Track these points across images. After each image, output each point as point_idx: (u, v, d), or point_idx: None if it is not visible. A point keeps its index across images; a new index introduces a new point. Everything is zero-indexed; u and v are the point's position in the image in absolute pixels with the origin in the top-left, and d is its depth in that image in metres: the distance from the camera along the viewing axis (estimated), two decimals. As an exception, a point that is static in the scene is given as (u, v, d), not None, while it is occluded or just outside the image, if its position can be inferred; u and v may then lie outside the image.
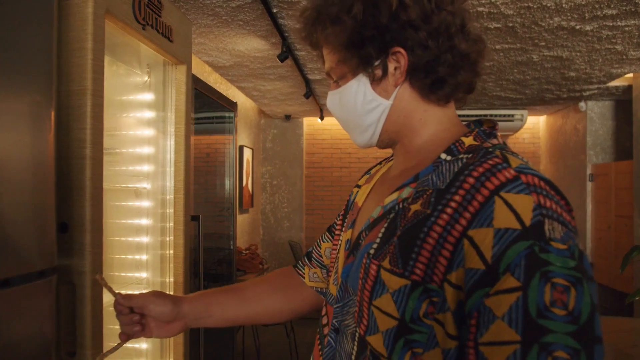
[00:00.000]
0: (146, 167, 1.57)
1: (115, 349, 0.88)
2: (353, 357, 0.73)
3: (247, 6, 2.78)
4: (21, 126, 0.92)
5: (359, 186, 0.94)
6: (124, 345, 0.90)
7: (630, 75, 4.32)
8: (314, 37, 0.78)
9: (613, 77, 4.37)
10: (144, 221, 1.57)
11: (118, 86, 1.52)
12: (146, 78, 1.57)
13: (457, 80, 0.75)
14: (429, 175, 0.72)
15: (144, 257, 1.58)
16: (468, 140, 0.74)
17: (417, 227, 0.67)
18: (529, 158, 6.60)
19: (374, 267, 0.70)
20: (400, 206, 0.72)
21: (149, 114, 1.57)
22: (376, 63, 0.74)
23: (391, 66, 0.74)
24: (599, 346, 0.57)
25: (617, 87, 4.75)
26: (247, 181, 5.41)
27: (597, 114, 5.36)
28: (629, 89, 4.71)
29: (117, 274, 1.56)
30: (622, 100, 5.25)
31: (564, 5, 2.78)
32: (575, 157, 5.63)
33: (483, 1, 2.73)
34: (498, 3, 2.76)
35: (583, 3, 2.74)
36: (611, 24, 3.05)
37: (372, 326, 0.69)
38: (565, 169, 5.90)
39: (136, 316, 0.89)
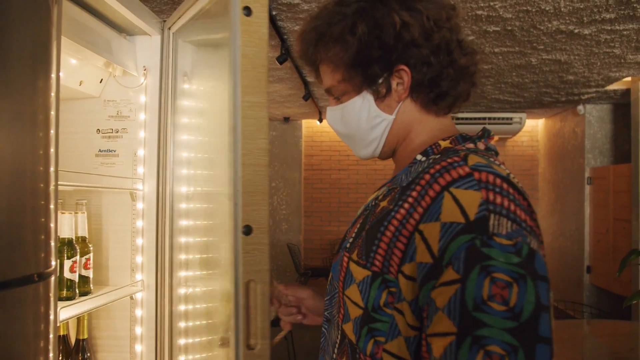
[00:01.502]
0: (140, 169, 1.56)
1: (283, 336, 0.94)
2: (337, 345, 0.76)
3: (245, 8, 2.78)
4: (13, 131, 0.92)
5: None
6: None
7: (629, 78, 4.33)
8: (316, 57, 0.80)
9: (611, 81, 4.38)
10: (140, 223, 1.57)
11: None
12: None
13: (457, 92, 0.79)
14: (401, 175, 0.77)
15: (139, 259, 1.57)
16: (444, 144, 0.78)
17: (380, 222, 0.70)
18: (527, 161, 6.65)
19: (346, 259, 0.75)
20: (373, 204, 0.77)
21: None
22: (380, 81, 0.76)
23: (394, 83, 0.76)
24: (544, 346, 0.57)
25: (615, 91, 4.76)
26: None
27: (595, 118, 5.36)
28: (627, 92, 4.72)
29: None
30: (620, 104, 5.26)
31: (562, 9, 2.78)
32: (573, 161, 5.63)
33: (482, 4, 2.74)
34: (497, 6, 2.76)
35: (581, 7, 2.74)
36: (609, 28, 3.06)
37: (346, 315, 0.73)
38: (563, 172, 5.91)
39: (295, 307, 1.00)
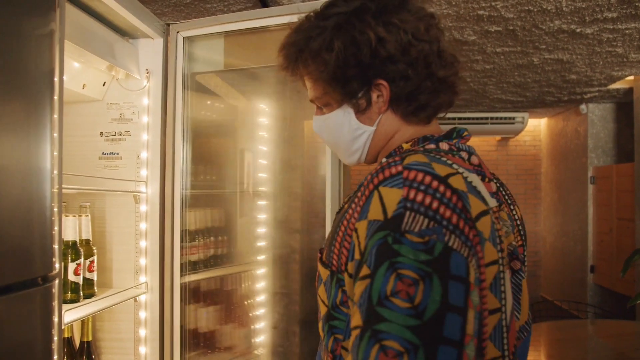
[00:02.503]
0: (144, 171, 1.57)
1: None
2: (323, 340, 0.77)
3: (247, 9, 2.78)
4: (17, 134, 0.92)
5: None
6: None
7: (631, 77, 4.32)
8: (297, 72, 0.82)
9: (614, 80, 4.37)
10: (143, 225, 1.57)
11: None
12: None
13: (438, 103, 0.79)
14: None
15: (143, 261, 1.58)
16: (406, 146, 0.79)
17: (338, 222, 0.73)
18: (530, 160, 6.63)
19: (318, 260, 0.77)
20: (342, 206, 0.80)
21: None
22: (360, 95, 0.78)
23: (374, 96, 0.78)
24: (448, 348, 0.55)
25: (618, 90, 4.75)
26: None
27: (598, 117, 5.35)
28: (629, 91, 4.71)
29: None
30: (623, 103, 5.24)
31: (564, 9, 2.78)
32: (576, 160, 5.62)
33: (483, 4, 2.73)
34: (498, 6, 2.76)
35: (583, 6, 2.74)
36: (612, 27, 3.05)
37: (320, 312, 0.76)
38: (566, 171, 5.89)
39: None
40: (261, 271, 1.86)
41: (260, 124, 1.96)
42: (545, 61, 3.80)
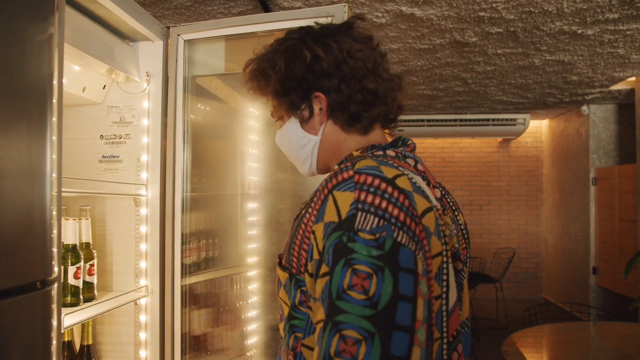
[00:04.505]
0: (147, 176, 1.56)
1: None
2: (284, 340, 0.83)
3: (247, 12, 2.78)
4: (16, 137, 0.92)
5: None
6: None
7: (633, 78, 4.31)
8: (256, 89, 0.93)
9: (615, 81, 4.36)
10: (143, 228, 1.57)
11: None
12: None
13: (371, 114, 0.87)
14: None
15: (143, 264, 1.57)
16: (356, 153, 0.87)
17: (296, 227, 0.79)
18: (531, 162, 6.62)
19: (277, 265, 0.83)
20: (300, 212, 0.86)
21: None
22: (302, 106, 0.88)
23: (316, 107, 0.87)
24: (400, 333, 0.61)
25: (619, 91, 4.74)
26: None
27: (599, 118, 5.34)
28: (631, 92, 4.70)
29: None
30: (624, 104, 5.23)
31: (565, 10, 2.77)
32: (578, 161, 5.61)
33: (484, 6, 2.73)
34: (499, 8, 2.76)
35: (585, 7, 2.73)
36: (613, 28, 3.05)
37: (282, 315, 0.81)
38: (568, 172, 5.88)
39: None
40: (255, 272, 1.86)
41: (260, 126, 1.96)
42: (546, 62, 3.79)
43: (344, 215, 0.67)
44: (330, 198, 0.70)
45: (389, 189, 0.68)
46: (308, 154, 0.92)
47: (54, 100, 0.99)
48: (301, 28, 0.91)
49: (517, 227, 6.67)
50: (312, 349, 0.72)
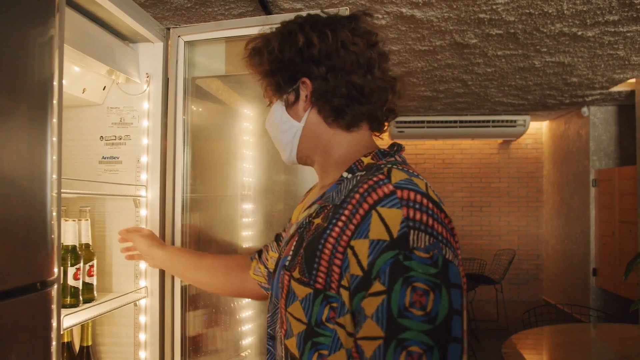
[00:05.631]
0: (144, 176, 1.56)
1: None
2: (299, 357, 0.81)
3: (248, 14, 2.79)
4: (16, 138, 0.92)
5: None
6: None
7: (633, 80, 4.31)
8: (250, 65, 0.94)
9: (615, 83, 4.36)
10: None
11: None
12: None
13: (355, 111, 0.86)
14: (331, 193, 0.84)
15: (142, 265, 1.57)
16: (366, 160, 0.85)
17: (317, 239, 0.76)
18: (532, 163, 6.62)
19: (287, 277, 0.80)
20: (307, 221, 0.84)
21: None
22: (289, 90, 0.89)
23: (302, 94, 0.88)
24: (455, 345, 0.65)
25: (619, 93, 4.74)
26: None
27: (600, 120, 5.34)
28: (631, 94, 4.70)
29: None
30: (624, 106, 5.24)
31: (565, 12, 2.77)
32: (578, 163, 5.61)
33: (484, 8, 2.73)
34: (499, 10, 2.76)
35: (584, 9, 2.73)
36: (613, 30, 3.05)
37: (289, 330, 0.79)
38: (568, 174, 5.88)
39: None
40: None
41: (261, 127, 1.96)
42: (546, 64, 3.80)
43: (395, 233, 0.67)
44: (374, 214, 0.69)
45: (430, 205, 0.70)
46: (289, 140, 0.92)
47: (55, 102, 0.99)
48: (308, 14, 0.91)
49: (517, 229, 6.66)
50: None
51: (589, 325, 3.08)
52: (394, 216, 0.68)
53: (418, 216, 0.68)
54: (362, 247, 0.69)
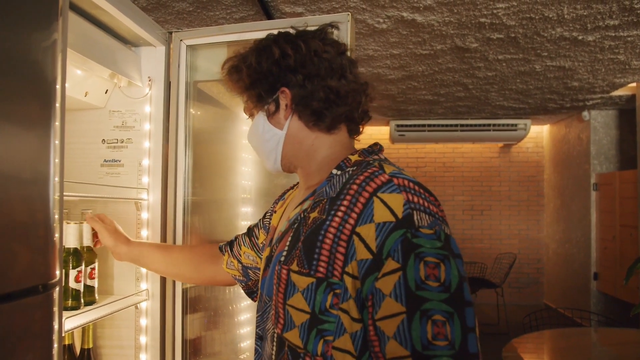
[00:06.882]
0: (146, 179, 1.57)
1: None
2: (273, 357, 0.84)
3: (249, 18, 2.80)
4: (19, 141, 0.93)
5: (275, 211, 1.11)
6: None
7: (634, 84, 4.32)
8: (229, 83, 0.98)
9: (616, 87, 4.37)
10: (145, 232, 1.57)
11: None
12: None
13: (333, 113, 0.91)
14: (323, 188, 0.88)
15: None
16: (354, 157, 0.90)
17: (316, 231, 0.80)
18: (532, 167, 6.63)
19: (285, 271, 0.83)
20: (302, 216, 0.87)
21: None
22: (269, 100, 0.93)
23: (282, 103, 0.92)
24: (469, 308, 0.70)
25: (620, 97, 4.75)
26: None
27: (600, 123, 5.34)
28: (632, 98, 4.71)
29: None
30: (625, 110, 5.24)
31: (565, 16, 2.78)
32: (579, 167, 5.61)
33: (485, 12, 2.74)
34: (500, 14, 2.77)
35: (585, 14, 2.74)
36: (613, 34, 3.06)
37: (288, 323, 0.81)
38: (569, 178, 5.88)
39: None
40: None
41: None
42: (547, 68, 3.81)
43: (400, 214, 0.72)
44: (376, 200, 0.74)
45: (422, 190, 0.77)
46: (272, 148, 0.95)
47: (57, 105, 1.00)
48: (279, 32, 0.97)
49: (518, 232, 6.66)
50: (343, 351, 0.74)
51: (589, 330, 3.08)
52: (395, 200, 0.73)
53: (416, 199, 0.74)
54: (368, 231, 0.73)
